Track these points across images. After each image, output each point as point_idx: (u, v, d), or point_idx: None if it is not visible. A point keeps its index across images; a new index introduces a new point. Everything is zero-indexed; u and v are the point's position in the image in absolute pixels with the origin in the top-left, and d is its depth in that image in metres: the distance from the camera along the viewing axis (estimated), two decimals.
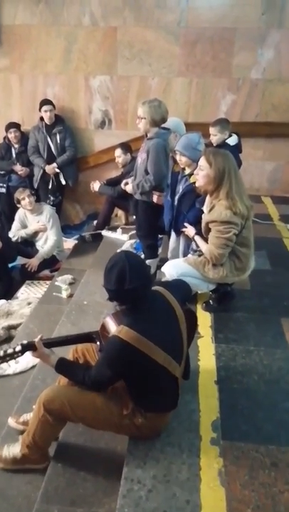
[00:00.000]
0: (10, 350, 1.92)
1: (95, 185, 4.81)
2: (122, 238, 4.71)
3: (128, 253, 1.84)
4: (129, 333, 1.69)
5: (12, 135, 5.15)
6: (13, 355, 1.93)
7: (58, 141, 5.12)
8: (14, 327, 3.48)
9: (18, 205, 4.47)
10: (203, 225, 2.69)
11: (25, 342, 1.96)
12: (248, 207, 2.57)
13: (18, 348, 1.93)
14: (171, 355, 1.78)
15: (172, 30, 4.85)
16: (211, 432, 1.95)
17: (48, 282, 4.26)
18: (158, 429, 1.92)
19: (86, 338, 2.10)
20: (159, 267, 3.71)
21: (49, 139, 5.09)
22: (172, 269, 2.80)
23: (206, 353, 2.49)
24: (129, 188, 3.68)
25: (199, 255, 2.80)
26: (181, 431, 1.96)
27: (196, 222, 2.89)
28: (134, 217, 3.97)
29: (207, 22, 4.75)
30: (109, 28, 4.96)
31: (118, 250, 1.87)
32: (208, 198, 2.67)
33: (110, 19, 4.92)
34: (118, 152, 4.71)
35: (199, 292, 2.98)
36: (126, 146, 4.75)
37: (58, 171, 5.14)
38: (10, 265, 4.45)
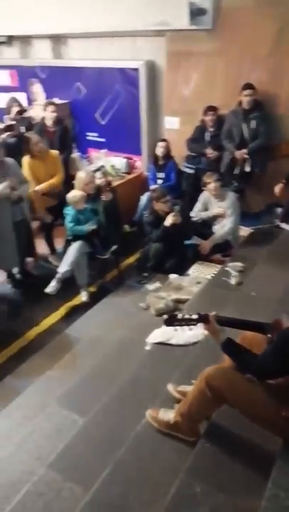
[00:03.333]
0: (187, 316, 2.01)
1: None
2: None
3: None
4: None
5: (209, 117, 5.23)
6: (189, 322, 2.01)
7: (253, 127, 5.00)
8: (181, 301, 3.64)
9: (203, 188, 4.56)
10: None
11: (202, 313, 2.02)
12: None
13: (195, 316, 2.00)
14: None
15: None
16: None
17: (218, 266, 4.30)
18: None
19: (258, 327, 2.08)
20: None
21: (244, 124, 5.01)
22: None
23: None
24: None
25: None
26: None
27: None
28: None
29: None
30: None
31: None
32: None
33: None
34: None
35: None
36: None
37: (247, 157, 5.05)
38: (185, 242, 4.60)
